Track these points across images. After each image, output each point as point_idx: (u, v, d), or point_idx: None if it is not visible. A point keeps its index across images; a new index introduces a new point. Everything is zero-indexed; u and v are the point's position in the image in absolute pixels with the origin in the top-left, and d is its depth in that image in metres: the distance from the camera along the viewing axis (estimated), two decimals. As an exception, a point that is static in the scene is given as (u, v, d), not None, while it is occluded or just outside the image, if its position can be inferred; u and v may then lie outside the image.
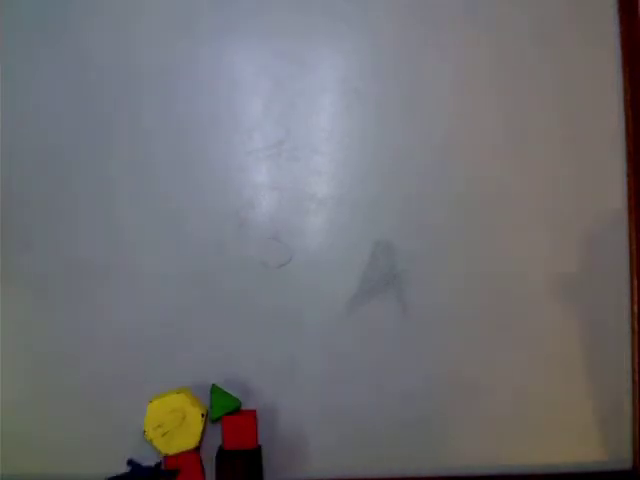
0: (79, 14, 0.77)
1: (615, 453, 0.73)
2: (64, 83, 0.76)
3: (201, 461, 0.69)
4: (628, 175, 0.74)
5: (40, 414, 0.74)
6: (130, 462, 0.70)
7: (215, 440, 0.71)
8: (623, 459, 0.73)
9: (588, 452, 0.73)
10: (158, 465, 0.69)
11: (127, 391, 0.73)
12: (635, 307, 0.73)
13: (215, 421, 0.70)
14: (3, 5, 0.76)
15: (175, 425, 0.66)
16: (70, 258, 0.75)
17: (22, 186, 0.76)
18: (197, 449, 0.68)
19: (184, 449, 0.67)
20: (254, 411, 0.70)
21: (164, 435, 0.66)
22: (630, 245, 0.73)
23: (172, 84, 0.76)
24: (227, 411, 0.69)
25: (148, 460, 0.69)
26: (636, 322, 0.73)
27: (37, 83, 0.76)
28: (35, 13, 0.76)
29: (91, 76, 0.76)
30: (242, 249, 0.75)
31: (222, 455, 0.68)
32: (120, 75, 0.76)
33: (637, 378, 0.72)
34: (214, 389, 0.71)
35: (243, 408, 0.71)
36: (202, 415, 0.67)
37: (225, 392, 0.71)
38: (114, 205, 0.76)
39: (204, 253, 0.75)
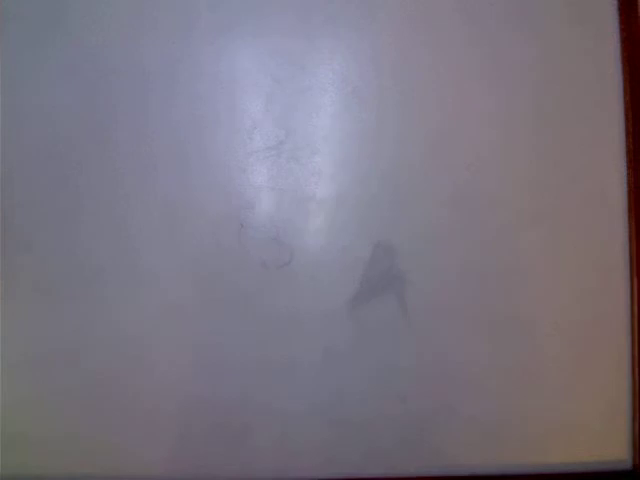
0: (79, 13, 0.77)
1: (615, 453, 0.73)
2: (64, 83, 0.76)
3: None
4: (628, 175, 0.74)
5: (40, 414, 0.74)
6: None
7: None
8: (623, 459, 0.73)
9: (588, 452, 0.73)
10: None
11: (127, 391, 0.73)
12: (635, 307, 0.73)
13: None
14: (3, 5, 0.76)
15: None
16: (71, 258, 0.75)
17: (23, 186, 0.76)
18: None
19: None
20: None
21: None
22: (630, 245, 0.74)
23: (172, 84, 0.76)
24: None
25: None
26: (636, 322, 0.73)
27: (38, 82, 0.76)
28: (36, 12, 0.76)
29: (91, 76, 0.76)
30: (242, 250, 0.75)
31: None
32: (119, 75, 0.76)
33: (637, 378, 0.72)
34: None
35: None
36: None
37: None
38: (114, 206, 0.76)
39: (204, 253, 0.75)
